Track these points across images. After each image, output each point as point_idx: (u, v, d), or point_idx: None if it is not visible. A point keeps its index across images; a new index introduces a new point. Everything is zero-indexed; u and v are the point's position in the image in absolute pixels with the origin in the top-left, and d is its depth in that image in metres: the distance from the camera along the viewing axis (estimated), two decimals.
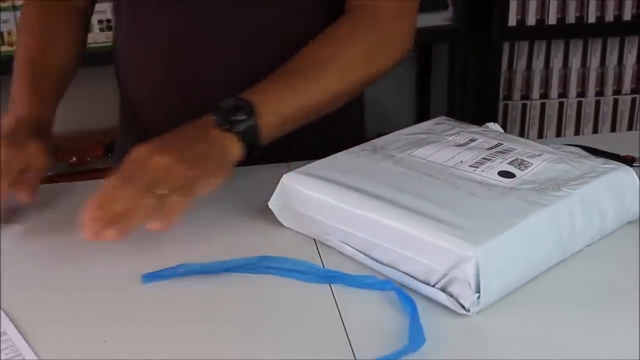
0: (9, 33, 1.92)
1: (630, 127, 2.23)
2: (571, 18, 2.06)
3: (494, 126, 0.88)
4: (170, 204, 0.72)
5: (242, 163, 0.81)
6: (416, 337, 0.60)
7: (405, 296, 0.65)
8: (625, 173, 0.76)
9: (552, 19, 2.06)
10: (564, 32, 2.10)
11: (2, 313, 0.66)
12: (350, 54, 0.90)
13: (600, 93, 2.20)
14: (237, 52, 0.96)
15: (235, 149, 0.79)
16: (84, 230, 0.70)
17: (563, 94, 2.18)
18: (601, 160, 0.78)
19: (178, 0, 0.95)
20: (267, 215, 0.79)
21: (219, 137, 0.79)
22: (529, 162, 0.77)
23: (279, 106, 0.84)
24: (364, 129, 1.12)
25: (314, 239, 0.77)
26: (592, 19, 2.06)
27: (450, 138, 0.84)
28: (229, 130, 0.79)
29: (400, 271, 0.68)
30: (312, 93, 0.87)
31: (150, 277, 0.71)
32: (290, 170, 0.80)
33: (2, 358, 0.61)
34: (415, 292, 0.67)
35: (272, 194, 0.79)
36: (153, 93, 1.01)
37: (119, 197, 0.71)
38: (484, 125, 0.89)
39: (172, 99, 0.99)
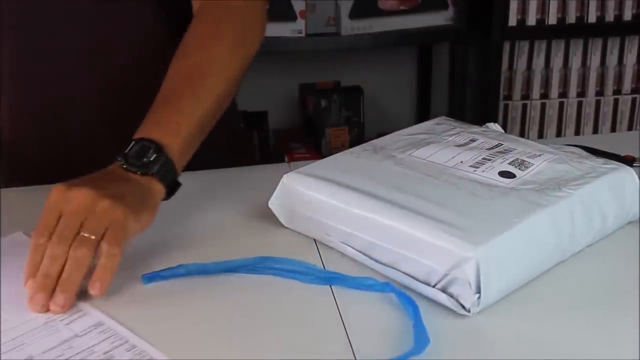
0: None
1: (630, 127, 2.23)
2: (571, 18, 2.06)
3: (494, 126, 0.88)
4: (105, 256, 0.68)
5: (241, 163, 0.81)
6: (420, 338, 0.59)
7: (406, 298, 0.65)
8: (626, 173, 0.76)
9: (552, 19, 2.05)
10: (564, 32, 2.09)
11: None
12: (221, 51, 0.87)
13: (600, 93, 2.19)
14: (81, 67, 0.93)
15: (158, 188, 0.76)
16: (31, 307, 0.67)
17: (563, 93, 2.18)
18: (602, 160, 0.78)
19: (10, 26, 0.91)
20: (268, 215, 0.79)
21: (139, 179, 0.75)
22: (530, 163, 0.77)
23: (180, 130, 0.79)
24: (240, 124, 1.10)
25: (314, 239, 0.77)
26: (592, 18, 2.06)
27: (451, 138, 0.84)
28: (145, 174, 0.75)
29: (401, 272, 0.68)
30: (201, 104, 0.83)
31: (150, 277, 0.71)
32: (290, 170, 0.80)
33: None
34: (415, 292, 0.67)
35: (272, 194, 0.79)
36: (7, 117, 0.96)
37: (51, 257, 0.67)
38: (484, 126, 0.89)
39: (25, 121, 0.96)
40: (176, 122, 0.80)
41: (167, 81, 0.84)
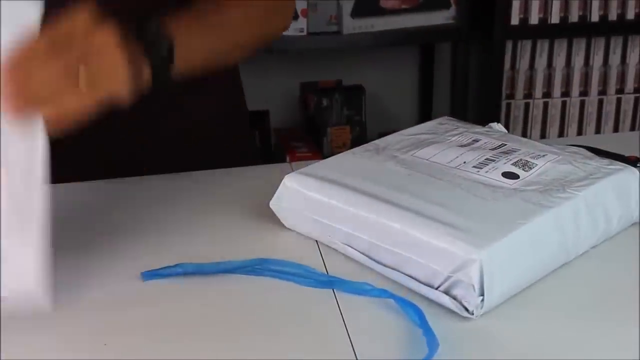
0: None
1: (633, 127, 2.22)
2: (574, 17, 2.05)
3: (498, 126, 0.88)
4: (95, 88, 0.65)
5: (243, 164, 0.80)
6: (431, 343, 0.59)
7: (407, 303, 0.64)
8: (631, 174, 0.76)
9: (555, 18, 2.05)
10: (567, 31, 2.09)
11: None
12: (255, 12, 0.89)
13: (603, 92, 2.19)
14: None
15: (146, 72, 0.73)
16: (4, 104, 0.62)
17: (566, 93, 2.17)
18: (606, 161, 0.78)
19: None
20: (269, 216, 0.79)
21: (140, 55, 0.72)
22: (533, 163, 0.76)
23: (192, 46, 0.79)
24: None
25: (316, 241, 0.76)
26: (595, 17, 2.06)
27: (454, 138, 0.83)
28: (146, 55, 0.73)
29: (403, 273, 0.68)
30: (218, 40, 0.84)
31: (150, 275, 0.71)
32: (292, 170, 0.79)
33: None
34: (417, 294, 0.66)
35: (274, 194, 0.78)
36: None
37: (42, 75, 0.62)
38: (487, 126, 0.88)
39: None
40: (196, 41, 0.79)
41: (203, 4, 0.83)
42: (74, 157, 0.92)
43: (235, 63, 0.98)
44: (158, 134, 0.97)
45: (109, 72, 0.67)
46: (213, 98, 1.00)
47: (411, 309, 0.63)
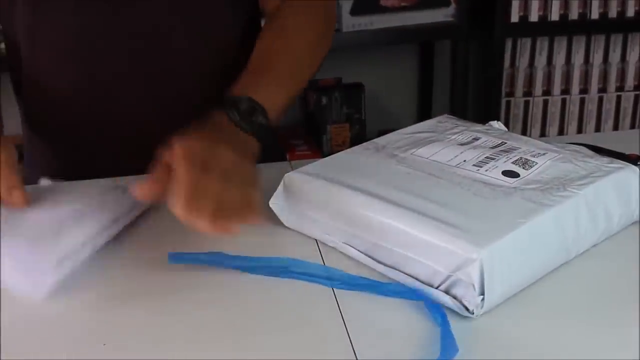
0: None
1: (633, 124, 2.22)
2: (574, 14, 2.05)
3: (498, 125, 0.87)
4: (248, 196, 0.69)
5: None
6: (449, 347, 0.58)
7: (434, 306, 0.63)
8: (631, 173, 0.75)
9: (554, 16, 2.05)
10: (567, 28, 2.09)
11: None
12: (313, 38, 0.95)
13: (603, 90, 2.19)
14: (152, 46, 0.93)
15: (256, 149, 0.80)
16: (198, 222, 0.66)
17: (566, 90, 2.17)
18: (606, 159, 0.77)
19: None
20: (268, 215, 0.78)
21: (246, 137, 0.79)
22: (534, 161, 0.76)
23: (277, 104, 0.84)
24: None
25: (316, 240, 0.76)
26: (595, 15, 2.05)
27: (454, 137, 0.83)
28: (249, 132, 0.79)
29: (403, 273, 0.67)
30: (292, 88, 0.90)
31: (175, 257, 0.71)
32: (291, 169, 0.79)
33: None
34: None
35: (273, 193, 0.78)
36: (63, 94, 0.96)
37: (206, 191, 0.67)
38: (487, 124, 0.88)
39: (83, 98, 0.96)
40: (277, 95, 0.85)
41: (260, 51, 0.89)
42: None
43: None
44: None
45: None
46: None
47: (437, 313, 0.62)
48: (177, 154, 0.68)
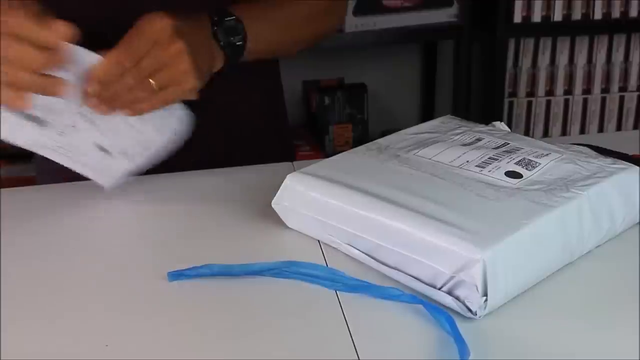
0: None
1: (636, 125, 2.22)
2: (577, 15, 2.05)
3: (501, 125, 0.87)
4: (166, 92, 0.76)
5: (243, 163, 0.81)
6: (462, 351, 0.58)
7: (438, 310, 0.62)
8: (635, 173, 0.75)
9: (557, 16, 2.04)
10: (570, 29, 2.08)
11: None
12: (310, 9, 0.96)
13: (606, 90, 2.18)
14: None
15: (219, 64, 0.84)
16: (89, 102, 0.74)
17: (569, 91, 2.17)
18: (610, 160, 0.77)
19: None
20: (271, 215, 0.78)
21: (214, 50, 0.83)
22: (537, 162, 0.76)
23: (259, 37, 0.87)
24: (286, 120, 1.15)
25: (319, 241, 0.76)
26: (598, 15, 2.05)
27: (456, 137, 0.83)
28: (222, 47, 0.83)
29: (406, 274, 0.67)
30: (281, 38, 0.93)
31: (175, 275, 0.70)
32: (294, 169, 0.79)
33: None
34: (422, 294, 0.66)
35: (275, 194, 0.78)
36: None
37: (122, 80, 0.74)
38: (490, 124, 0.87)
39: None
40: (262, 29, 0.88)
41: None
42: None
43: (289, 57, 1.05)
44: (200, 129, 0.96)
45: (180, 79, 0.77)
46: (257, 94, 1.03)
47: (442, 316, 0.62)
48: (138, 24, 0.75)
